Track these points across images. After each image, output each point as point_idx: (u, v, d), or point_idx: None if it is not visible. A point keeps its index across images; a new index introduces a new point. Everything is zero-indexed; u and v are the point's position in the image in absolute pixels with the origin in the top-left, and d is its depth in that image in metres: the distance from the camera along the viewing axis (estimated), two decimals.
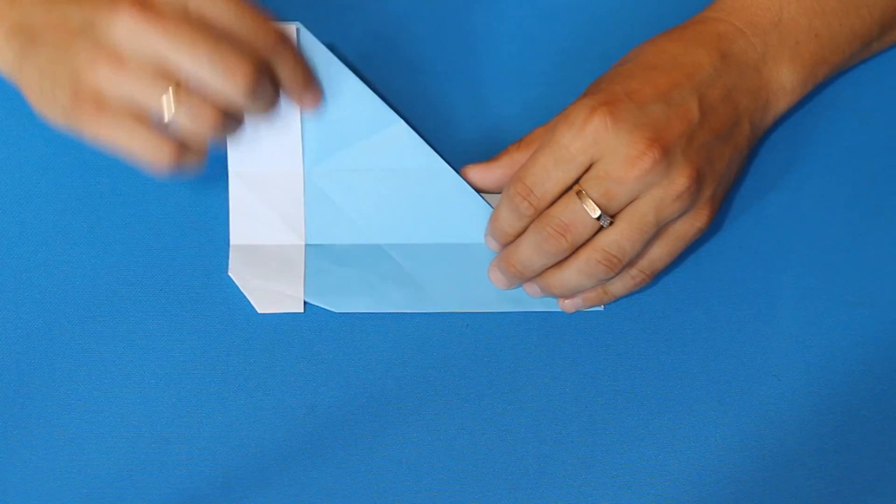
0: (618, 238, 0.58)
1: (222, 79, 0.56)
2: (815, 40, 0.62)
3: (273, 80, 0.59)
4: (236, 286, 0.65)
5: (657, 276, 0.63)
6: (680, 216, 0.59)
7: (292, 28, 0.60)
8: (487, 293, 0.64)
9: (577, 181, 0.59)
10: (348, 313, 0.65)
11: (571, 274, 0.60)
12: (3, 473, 0.62)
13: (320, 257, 0.65)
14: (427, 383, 0.64)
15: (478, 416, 0.63)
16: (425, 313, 0.64)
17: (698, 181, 0.58)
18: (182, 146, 0.57)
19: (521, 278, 0.62)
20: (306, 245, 0.65)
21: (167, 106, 0.56)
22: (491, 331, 0.64)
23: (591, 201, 0.58)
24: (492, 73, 0.67)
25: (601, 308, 0.64)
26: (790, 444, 0.63)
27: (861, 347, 0.64)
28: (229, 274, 0.64)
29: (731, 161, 0.61)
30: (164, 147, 0.57)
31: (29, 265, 0.65)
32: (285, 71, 0.59)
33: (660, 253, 0.61)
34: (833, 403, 0.63)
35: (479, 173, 0.64)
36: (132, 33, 0.56)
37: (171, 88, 0.56)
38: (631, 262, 0.61)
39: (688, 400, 0.63)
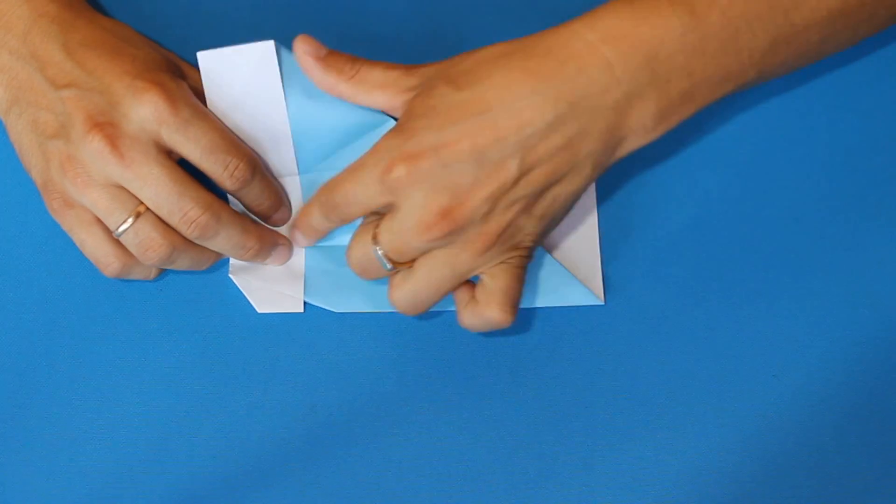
0: (414, 288, 0.59)
1: (179, 223, 0.59)
2: (686, 79, 0.56)
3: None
4: (236, 286, 0.65)
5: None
6: (479, 269, 0.59)
7: (269, 45, 0.60)
8: None
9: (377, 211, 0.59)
10: (348, 313, 0.65)
11: (360, 274, 0.61)
12: (3, 473, 0.62)
13: (320, 258, 0.65)
14: (427, 383, 0.64)
15: (478, 416, 0.63)
16: (425, 314, 0.64)
17: (502, 233, 0.57)
18: (126, 267, 0.61)
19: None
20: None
21: (123, 231, 0.59)
22: (491, 331, 0.64)
23: (380, 252, 0.58)
24: None
25: (602, 302, 0.64)
26: (790, 444, 0.63)
27: (861, 347, 0.64)
28: (229, 275, 0.64)
29: (557, 200, 0.58)
30: (114, 258, 0.61)
31: (29, 265, 0.65)
32: (254, 200, 0.63)
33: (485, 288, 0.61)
34: (833, 403, 0.63)
35: (308, 60, 0.59)
36: (101, 163, 0.58)
37: (131, 218, 0.59)
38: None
39: (688, 400, 0.63)
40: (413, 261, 0.59)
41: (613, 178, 0.66)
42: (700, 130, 0.67)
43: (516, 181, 0.56)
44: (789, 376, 0.64)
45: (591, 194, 0.66)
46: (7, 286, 0.65)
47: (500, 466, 0.62)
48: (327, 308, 0.64)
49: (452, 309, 0.64)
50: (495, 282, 0.59)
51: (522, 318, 0.64)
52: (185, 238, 0.61)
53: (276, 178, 0.64)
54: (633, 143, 0.57)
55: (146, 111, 0.58)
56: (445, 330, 0.64)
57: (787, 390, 0.63)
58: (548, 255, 0.65)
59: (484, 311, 0.59)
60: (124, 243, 0.60)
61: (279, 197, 0.64)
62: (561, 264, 0.65)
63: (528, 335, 0.64)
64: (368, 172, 0.57)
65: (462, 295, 0.61)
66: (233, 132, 0.61)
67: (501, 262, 0.59)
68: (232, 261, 0.65)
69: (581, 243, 0.65)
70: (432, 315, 0.64)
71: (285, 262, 0.65)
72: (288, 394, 0.64)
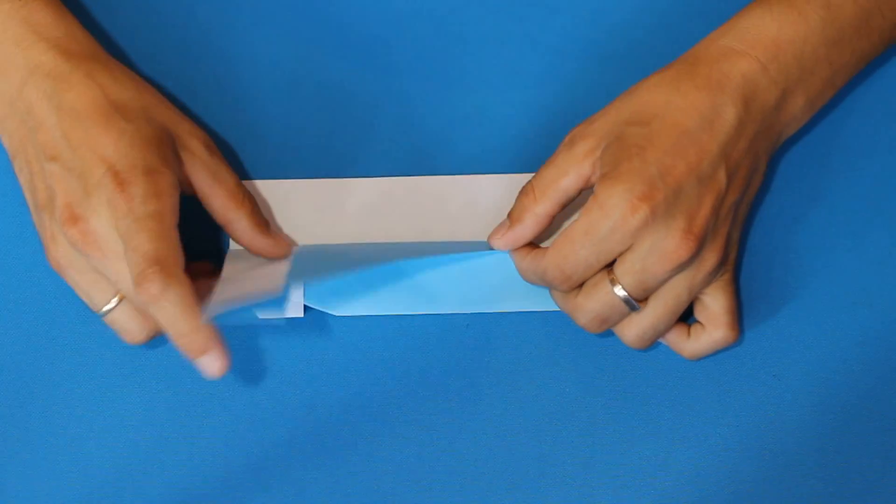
0: (654, 322, 0.59)
1: (151, 310, 0.55)
2: (829, 68, 0.61)
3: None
4: None
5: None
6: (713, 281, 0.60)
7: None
8: (488, 293, 0.64)
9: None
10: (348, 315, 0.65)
11: (599, 326, 0.61)
12: (3, 473, 0.62)
13: (319, 261, 0.65)
14: (427, 383, 0.64)
15: (478, 416, 0.63)
16: (425, 314, 0.64)
17: (726, 249, 0.59)
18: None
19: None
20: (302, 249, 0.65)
21: (108, 311, 0.59)
22: (491, 331, 0.64)
23: (623, 290, 0.58)
24: (491, 74, 0.67)
25: None
26: (790, 444, 0.63)
27: (861, 347, 0.64)
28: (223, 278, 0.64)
29: (747, 207, 0.61)
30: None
31: (29, 265, 0.65)
32: (166, 320, 0.56)
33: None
34: (833, 403, 0.63)
35: (506, 242, 0.62)
36: (75, 249, 0.57)
37: (115, 299, 0.58)
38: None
39: (688, 400, 0.63)
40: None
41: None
42: None
43: (727, 188, 0.58)
44: (789, 376, 0.64)
45: None
46: (7, 286, 0.65)
47: (500, 466, 0.62)
48: (327, 312, 0.64)
49: (454, 310, 0.64)
50: (718, 302, 0.60)
51: (523, 318, 0.64)
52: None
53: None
54: (786, 134, 0.62)
55: (106, 211, 0.56)
56: (446, 330, 0.64)
57: (787, 390, 0.63)
58: None
59: (713, 333, 0.61)
60: (107, 322, 0.59)
61: (194, 316, 0.57)
62: None
63: (528, 335, 0.64)
64: (604, 225, 0.57)
65: (678, 328, 0.62)
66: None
67: (716, 280, 0.60)
68: (225, 269, 0.63)
69: None
70: (433, 316, 0.64)
71: (213, 373, 0.57)
72: (288, 394, 0.64)
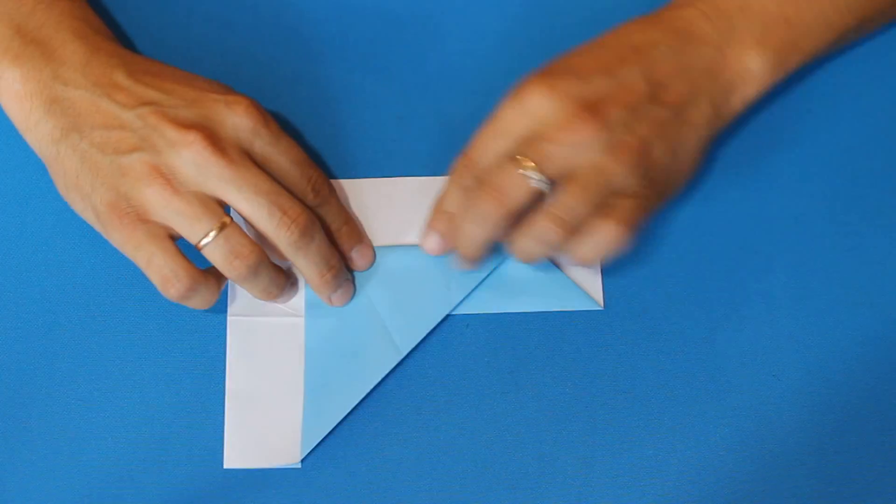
0: (568, 200, 0.58)
1: (278, 225, 0.58)
2: (784, 25, 0.61)
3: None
4: (236, 286, 0.65)
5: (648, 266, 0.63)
6: (626, 188, 0.58)
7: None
8: (488, 298, 0.64)
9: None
10: (347, 315, 0.65)
11: (523, 242, 0.60)
12: (3, 473, 0.62)
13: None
14: (427, 383, 0.64)
15: (478, 416, 0.63)
16: (425, 314, 0.64)
17: (644, 151, 0.58)
18: (195, 285, 0.59)
19: (470, 265, 0.63)
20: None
21: (211, 239, 0.58)
22: (491, 331, 0.64)
23: (525, 161, 0.58)
24: (492, 74, 0.67)
25: (601, 308, 0.64)
26: (790, 444, 0.63)
27: (861, 347, 0.64)
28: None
29: (687, 140, 0.60)
30: (184, 274, 0.58)
31: (29, 265, 0.65)
32: (333, 218, 0.63)
33: (612, 226, 0.59)
34: (833, 403, 0.63)
35: (437, 237, 0.63)
36: (197, 166, 0.57)
37: (215, 229, 0.58)
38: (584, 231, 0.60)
39: (688, 400, 0.63)
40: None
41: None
42: None
43: (650, 97, 0.59)
44: (789, 376, 0.64)
45: None
46: (7, 286, 0.65)
47: (500, 466, 0.62)
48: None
49: (456, 313, 0.64)
50: (623, 202, 0.58)
51: (522, 318, 0.64)
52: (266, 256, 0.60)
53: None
54: (744, 89, 0.61)
55: (242, 121, 0.58)
56: (446, 330, 0.64)
57: (787, 390, 0.63)
58: (549, 261, 0.65)
59: (601, 226, 0.58)
60: (207, 254, 0.58)
61: (353, 220, 0.64)
62: (561, 270, 0.65)
63: (529, 335, 0.64)
64: (505, 107, 0.59)
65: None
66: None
67: (633, 191, 0.59)
68: (231, 314, 0.64)
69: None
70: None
71: (346, 301, 0.64)
72: None
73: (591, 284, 0.65)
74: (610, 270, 0.65)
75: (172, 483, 0.62)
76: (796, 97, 0.68)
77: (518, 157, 0.58)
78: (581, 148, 0.57)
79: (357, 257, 0.64)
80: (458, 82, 0.67)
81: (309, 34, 0.69)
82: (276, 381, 0.63)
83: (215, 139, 0.57)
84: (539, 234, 0.59)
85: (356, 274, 0.64)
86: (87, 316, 0.65)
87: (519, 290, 0.64)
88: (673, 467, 0.62)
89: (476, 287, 0.64)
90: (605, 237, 0.58)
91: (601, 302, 0.64)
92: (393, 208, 0.66)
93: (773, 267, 0.65)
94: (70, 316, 0.65)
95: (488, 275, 0.65)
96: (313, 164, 0.62)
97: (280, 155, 0.60)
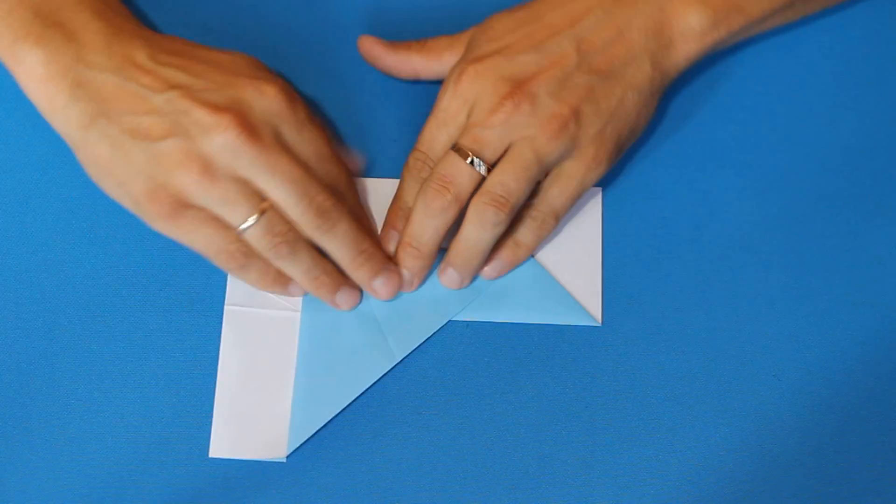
0: (500, 178, 0.60)
1: (305, 210, 0.59)
2: None
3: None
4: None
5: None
6: (566, 154, 0.61)
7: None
8: (485, 304, 0.65)
9: None
10: (347, 314, 0.65)
11: (468, 229, 0.61)
12: (3, 473, 0.62)
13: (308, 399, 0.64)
14: (427, 383, 0.64)
15: (478, 416, 0.63)
16: (424, 314, 0.64)
17: (574, 119, 0.60)
18: (252, 253, 0.60)
19: (423, 257, 0.62)
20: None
21: (252, 223, 0.58)
22: (491, 331, 0.64)
23: (462, 149, 0.60)
24: None
25: (599, 324, 0.64)
26: (790, 444, 0.63)
27: (861, 347, 0.64)
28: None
29: (625, 98, 0.61)
30: (238, 247, 0.59)
31: (29, 265, 0.65)
32: (352, 208, 0.62)
33: (555, 193, 0.62)
34: (833, 403, 0.63)
35: (375, 48, 0.65)
36: (232, 151, 0.57)
37: (256, 213, 0.58)
38: (529, 207, 0.62)
39: (688, 400, 0.63)
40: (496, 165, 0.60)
41: (614, 177, 0.66)
42: (700, 130, 0.67)
43: (578, 65, 0.60)
44: (789, 376, 0.64)
45: (597, 211, 0.66)
46: (7, 286, 0.65)
47: (500, 466, 0.62)
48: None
49: (454, 319, 0.64)
50: (553, 187, 0.62)
51: (522, 322, 0.64)
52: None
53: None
54: (685, 47, 0.62)
55: (271, 105, 0.59)
56: (446, 330, 0.64)
57: (787, 390, 0.63)
58: (548, 274, 0.65)
59: (530, 215, 0.62)
60: (249, 238, 0.59)
61: (369, 219, 0.65)
62: (560, 284, 0.65)
63: (529, 336, 0.64)
64: (442, 98, 0.61)
65: None
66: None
67: (567, 162, 0.61)
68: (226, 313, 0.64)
69: (584, 263, 0.65)
70: None
71: (392, 293, 0.63)
72: None
73: (591, 298, 0.65)
74: (609, 271, 0.65)
75: (172, 483, 0.62)
76: (796, 97, 0.68)
77: (458, 144, 0.60)
78: (511, 127, 0.59)
79: (387, 243, 0.64)
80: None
81: (309, 34, 0.69)
82: (267, 374, 0.63)
83: (247, 123, 0.58)
84: (480, 215, 0.60)
85: None
86: (87, 316, 0.65)
87: (517, 303, 0.64)
88: (673, 467, 0.62)
89: (476, 297, 0.64)
90: (536, 225, 0.62)
91: (599, 318, 0.64)
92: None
93: (773, 267, 0.65)
94: (70, 316, 0.65)
95: (490, 285, 0.65)
96: (336, 159, 0.62)
97: (305, 143, 0.60)
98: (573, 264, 0.65)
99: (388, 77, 0.67)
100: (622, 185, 0.66)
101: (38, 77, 0.59)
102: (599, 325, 0.64)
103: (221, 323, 0.64)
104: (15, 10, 0.59)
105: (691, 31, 0.62)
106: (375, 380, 0.63)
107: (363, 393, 0.63)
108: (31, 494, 0.62)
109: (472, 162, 0.60)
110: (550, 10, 0.62)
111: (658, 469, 0.62)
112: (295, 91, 0.61)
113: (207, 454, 0.62)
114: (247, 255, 0.60)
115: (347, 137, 0.67)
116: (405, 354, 0.63)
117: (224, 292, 0.64)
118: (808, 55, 0.69)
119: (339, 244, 0.61)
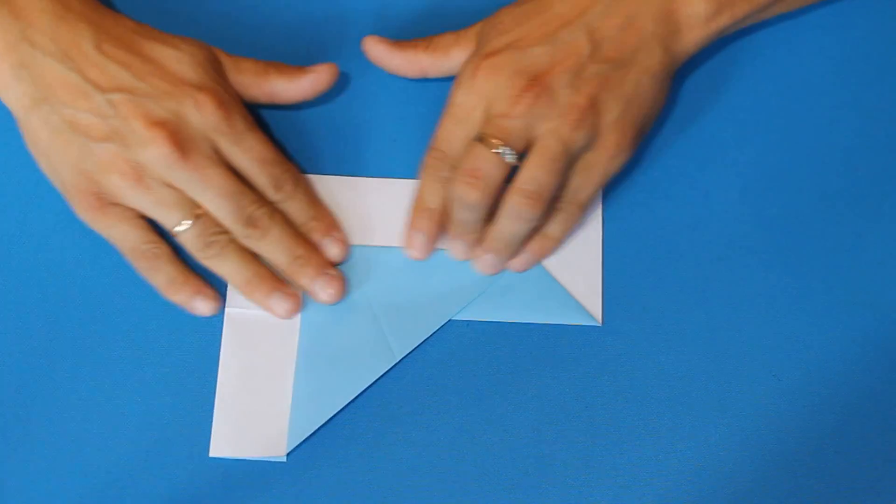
0: (531, 173, 0.60)
1: (233, 223, 0.60)
2: None
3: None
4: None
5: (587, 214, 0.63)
6: (589, 144, 0.61)
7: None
8: (485, 305, 0.65)
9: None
10: (346, 314, 0.64)
11: (503, 223, 0.62)
12: (2, 473, 0.62)
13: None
14: (427, 383, 0.64)
15: (478, 416, 0.63)
16: (424, 315, 0.64)
17: (592, 108, 0.60)
18: (165, 259, 0.62)
19: (471, 238, 0.63)
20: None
21: (186, 227, 0.60)
22: (491, 331, 0.64)
23: (489, 139, 0.60)
24: None
25: (599, 324, 0.64)
26: (790, 444, 0.63)
27: (861, 347, 0.64)
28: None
29: (640, 83, 0.62)
30: (159, 246, 0.62)
31: (29, 265, 0.65)
32: (298, 213, 0.63)
33: (580, 182, 0.62)
34: (833, 403, 0.63)
35: (381, 49, 0.66)
36: (165, 166, 0.59)
37: (191, 218, 0.60)
38: (556, 199, 0.62)
39: (688, 400, 0.63)
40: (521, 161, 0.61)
41: (615, 177, 0.66)
42: (700, 130, 0.67)
43: (591, 55, 0.61)
44: (789, 376, 0.64)
45: (597, 211, 0.66)
46: (7, 286, 0.65)
47: (500, 466, 0.62)
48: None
49: (454, 319, 0.64)
50: (577, 178, 0.62)
51: (523, 322, 0.64)
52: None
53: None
54: (692, 33, 0.63)
55: (208, 120, 0.60)
56: (446, 330, 0.64)
57: (787, 390, 0.63)
58: (548, 274, 0.65)
59: (561, 207, 0.62)
60: (182, 240, 0.61)
61: (325, 212, 0.65)
62: (560, 284, 0.65)
63: (529, 336, 0.64)
64: (457, 94, 0.61)
65: None
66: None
67: (590, 152, 0.61)
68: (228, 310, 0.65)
69: (584, 263, 0.65)
70: None
71: (335, 298, 0.63)
72: None
73: (591, 300, 0.65)
74: (610, 271, 0.65)
75: (172, 483, 0.62)
76: (796, 97, 0.68)
77: (482, 136, 0.60)
78: (534, 118, 0.60)
79: (327, 248, 0.64)
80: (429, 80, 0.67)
81: (309, 34, 0.69)
82: (267, 373, 0.63)
83: (181, 140, 0.59)
84: (514, 211, 0.61)
85: (358, 275, 0.64)
86: (87, 316, 0.65)
87: (517, 302, 0.64)
88: (673, 467, 0.62)
89: (477, 297, 0.64)
90: (564, 217, 0.63)
91: (599, 318, 0.64)
92: (399, 209, 0.65)
93: (773, 267, 0.65)
94: (70, 316, 0.65)
95: (490, 285, 0.65)
96: (279, 160, 0.62)
97: (242, 153, 0.61)
98: (573, 264, 0.65)
99: (388, 75, 0.67)
100: (622, 186, 0.66)
101: None
102: (599, 325, 0.64)
103: (221, 323, 0.64)
104: None
105: (697, 18, 0.63)
106: (375, 379, 0.63)
107: (363, 392, 0.63)
108: (31, 494, 0.62)
109: (501, 152, 0.60)
110: (558, 1, 0.62)
111: (658, 469, 0.62)
112: (233, 98, 0.62)
113: (207, 454, 0.62)
114: (157, 256, 0.62)
115: (345, 135, 0.67)
116: (405, 354, 0.63)
117: (224, 292, 0.64)
118: (808, 54, 0.69)
119: (273, 250, 0.62)
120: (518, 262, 0.64)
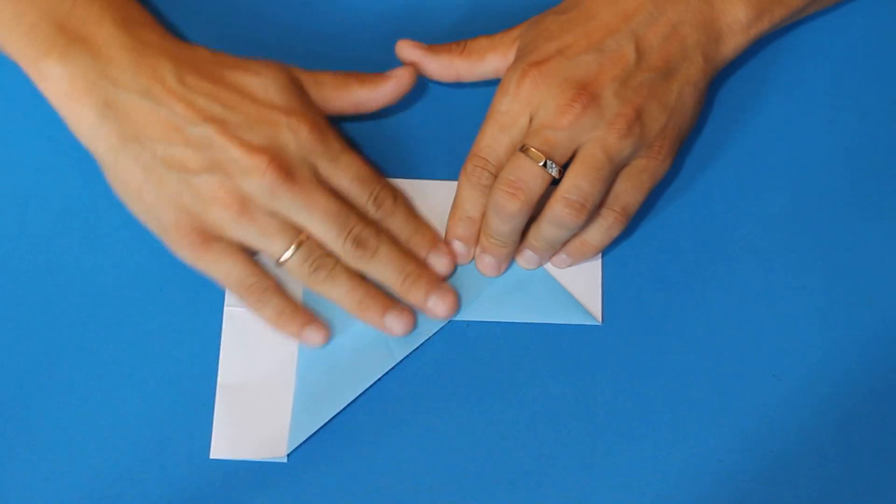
0: (574, 182, 0.60)
1: (344, 243, 0.60)
2: None
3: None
4: None
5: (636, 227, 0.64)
6: (634, 153, 0.61)
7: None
8: (485, 304, 0.64)
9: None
10: (345, 314, 0.64)
11: (545, 228, 0.62)
12: (3, 473, 0.62)
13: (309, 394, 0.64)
14: (427, 383, 0.64)
15: (478, 416, 0.63)
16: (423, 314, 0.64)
17: (638, 118, 0.60)
18: (273, 286, 0.61)
19: (502, 252, 0.63)
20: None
21: (292, 254, 0.60)
22: (491, 331, 0.64)
23: (533, 151, 0.59)
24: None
25: (599, 324, 0.64)
26: (790, 444, 0.63)
27: (861, 347, 0.64)
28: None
29: (683, 93, 0.62)
30: (262, 278, 0.61)
31: (29, 265, 0.65)
32: (401, 234, 0.63)
33: (624, 188, 0.62)
34: (833, 403, 0.63)
35: (416, 54, 0.65)
36: (270, 193, 0.58)
37: (294, 245, 0.60)
38: (600, 206, 0.62)
39: (688, 400, 0.63)
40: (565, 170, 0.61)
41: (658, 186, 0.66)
42: (700, 130, 0.67)
43: (637, 64, 0.60)
44: (789, 376, 0.64)
45: None
46: (7, 286, 0.65)
47: (500, 466, 0.62)
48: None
49: (454, 319, 0.64)
50: (621, 184, 0.62)
51: (523, 322, 0.64)
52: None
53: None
54: (732, 39, 0.63)
55: (306, 144, 0.59)
56: (446, 330, 0.64)
57: (787, 390, 0.63)
58: (548, 274, 0.65)
59: (602, 214, 0.62)
60: (289, 268, 0.60)
61: (425, 225, 0.64)
62: (560, 284, 0.65)
63: (530, 336, 0.64)
64: (502, 100, 0.61)
65: None
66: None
67: (634, 160, 0.61)
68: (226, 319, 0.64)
69: (584, 263, 0.65)
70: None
71: (450, 312, 0.63)
72: None
73: (591, 299, 0.65)
74: (610, 271, 0.65)
75: (172, 483, 0.62)
76: (796, 98, 0.68)
77: (524, 145, 0.60)
78: (581, 129, 0.59)
79: (435, 262, 0.64)
80: (462, 84, 0.67)
81: (309, 34, 0.69)
82: (267, 374, 0.63)
83: (284, 164, 0.58)
84: (557, 219, 0.61)
85: None
86: (87, 316, 0.64)
87: (517, 302, 0.64)
88: (673, 467, 0.62)
89: (476, 298, 0.64)
90: (607, 225, 0.62)
91: (599, 317, 0.64)
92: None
93: (773, 267, 0.65)
94: (70, 316, 0.65)
95: (490, 285, 0.65)
96: (376, 177, 0.62)
97: (341, 172, 0.61)
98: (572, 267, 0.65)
99: (421, 78, 0.66)
100: None
101: (64, 94, 0.59)
102: (599, 324, 0.64)
103: (221, 323, 0.64)
104: (38, 24, 0.59)
105: (738, 24, 0.63)
106: (375, 380, 0.63)
107: (363, 393, 0.63)
108: (31, 494, 0.62)
109: (544, 164, 0.59)
110: (603, 8, 0.62)
111: (658, 469, 0.62)
112: (325, 121, 0.62)
113: (208, 455, 0.62)
114: (265, 290, 0.61)
115: (372, 138, 0.67)
116: (405, 355, 0.63)
117: (224, 293, 0.64)
118: (808, 55, 0.69)
119: (382, 269, 0.62)
120: (556, 259, 0.64)
